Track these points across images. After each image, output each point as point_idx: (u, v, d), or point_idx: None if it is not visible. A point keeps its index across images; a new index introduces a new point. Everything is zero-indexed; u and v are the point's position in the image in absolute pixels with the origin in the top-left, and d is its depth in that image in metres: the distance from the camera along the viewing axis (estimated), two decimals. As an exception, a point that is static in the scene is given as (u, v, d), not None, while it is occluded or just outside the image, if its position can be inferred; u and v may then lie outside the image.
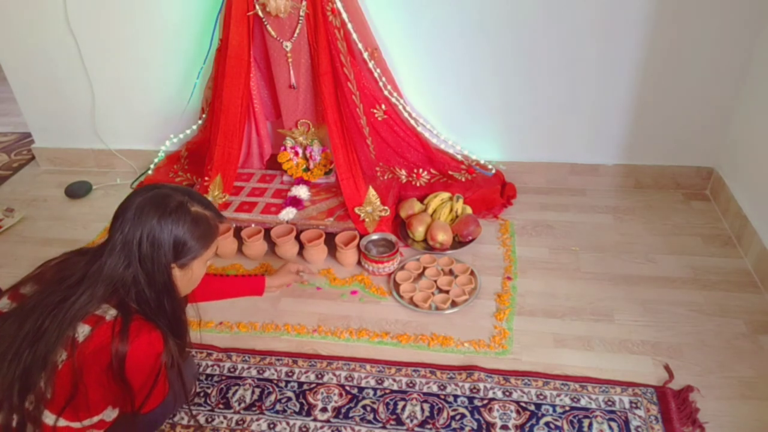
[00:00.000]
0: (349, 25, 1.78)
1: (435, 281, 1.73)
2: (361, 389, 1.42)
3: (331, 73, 1.80)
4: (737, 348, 1.46)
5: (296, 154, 2.04)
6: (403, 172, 2.09)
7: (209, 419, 1.37)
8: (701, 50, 1.83)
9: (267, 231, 1.88)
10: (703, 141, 2.01)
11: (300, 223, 1.87)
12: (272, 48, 1.84)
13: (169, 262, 1.08)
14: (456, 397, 1.38)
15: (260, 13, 1.77)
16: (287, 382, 1.45)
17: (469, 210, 1.98)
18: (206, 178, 1.98)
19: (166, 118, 2.29)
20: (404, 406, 1.37)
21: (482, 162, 2.12)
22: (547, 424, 1.31)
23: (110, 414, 1.11)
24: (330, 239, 1.84)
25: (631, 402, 1.34)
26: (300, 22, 1.77)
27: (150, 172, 2.30)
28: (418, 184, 2.10)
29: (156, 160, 2.32)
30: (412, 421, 1.33)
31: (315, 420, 1.35)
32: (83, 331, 1.01)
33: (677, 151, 2.05)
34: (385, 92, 1.92)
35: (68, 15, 2.11)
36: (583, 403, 1.35)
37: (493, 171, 2.11)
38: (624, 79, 1.92)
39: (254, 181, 2.08)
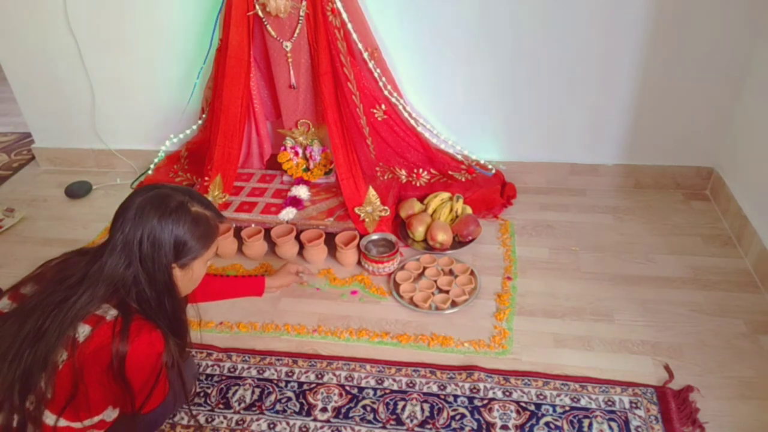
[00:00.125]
0: (349, 25, 1.78)
1: (435, 281, 1.73)
2: (361, 389, 1.42)
3: (331, 73, 1.80)
4: (737, 348, 1.46)
5: (296, 154, 2.04)
6: (403, 172, 2.09)
7: (209, 419, 1.37)
8: (701, 50, 1.83)
9: (267, 231, 1.88)
10: (703, 141, 2.01)
11: (300, 223, 1.88)
12: (272, 48, 1.84)
13: (169, 262, 1.08)
14: (456, 397, 1.38)
15: (260, 13, 1.77)
16: (287, 382, 1.45)
17: (469, 210, 1.98)
18: (206, 178, 1.98)
19: (166, 118, 2.29)
20: (404, 406, 1.37)
21: (482, 162, 2.13)
22: (547, 424, 1.31)
23: (111, 414, 1.11)
24: (330, 239, 1.84)
25: (631, 402, 1.34)
26: (300, 22, 1.77)
27: (150, 172, 2.30)
28: (418, 184, 2.10)
29: (156, 160, 2.32)
30: (412, 421, 1.33)
31: (315, 420, 1.35)
32: (84, 331, 1.01)
33: (677, 151, 2.05)
34: (385, 92, 1.92)
35: (68, 15, 2.11)
36: (583, 403, 1.35)
37: (493, 171, 2.12)
38: (624, 79, 1.92)
39: (254, 181, 2.08)
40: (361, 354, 1.52)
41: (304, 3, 1.74)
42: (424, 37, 1.94)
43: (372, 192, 1.88)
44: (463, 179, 2.09)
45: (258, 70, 2.00)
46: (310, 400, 1.40)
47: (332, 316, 1.66)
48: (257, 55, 1.95)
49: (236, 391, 1.43)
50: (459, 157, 2.12)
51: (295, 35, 1.80)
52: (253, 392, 1.43)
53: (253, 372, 1.48)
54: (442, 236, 1.84)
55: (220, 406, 1.40)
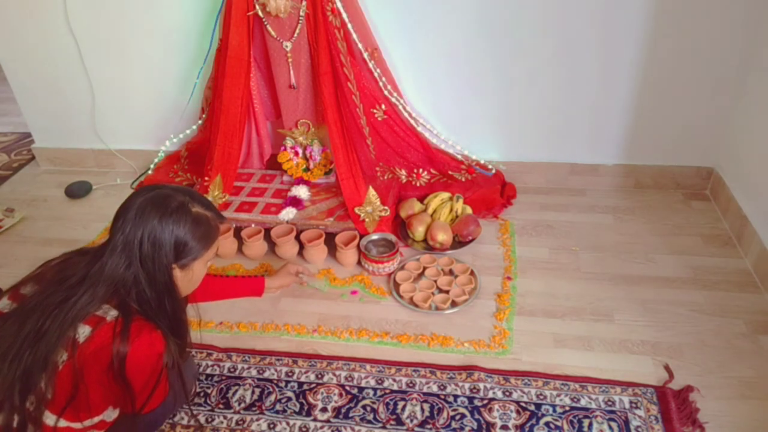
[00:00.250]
0: (349, 25, 1.78)
1: (435, 281, 1.73)
2: (361, 389, 1.42)
3: (331, 73, 1.80)
4: (737, 348, 1.47)
5: (296, 154, 2.04)
6: (403, 172, 2.09)
7: (209, 419, 1.37)
8: (701, 50, 1.83)
9: (267, 231, 1.88)
10: (703, 141, 2.01)
11: (300, 223, 1.88)
12: (272, 48, 1.84)
13: (170, 263, 1.08)
14: (456, 397, 1.38)
15: (260, 13, 1.77)
16: (287, 382, 1.45)
17: (469, 210, 1.98)
18: (206, 178, 1.98)
19: (166, 118, 2.29)
20: (404, 406, 1.37)
21: (482, 162, 2.13)
22: (547, 424, 1.31)
23: (111, 414, 1.11)
24: (330, 239, 1.85)
25: (631, 402, 1.34)
26: (300, 22, 1.77)
27: (150, 172, 2.30)
28: (418, 184, 2.10)
29: (156, 160, 2.32)
30: (412, 421, 1.33)
31: (315, 420, 1.35)
32: (84, 331, 1.01)
33: (677, 151, 2.05)
34: (385, 92, 1.92)
35: (68, 15, 2.11)
36: (583, 403, 1.35)
37: (493, 171, 2.12)
38: (624, 79, 1.92)
39: (254, 181, 2.08)
40: (361, 354, 1.52)
41: (304, 3, 1.74)
42: (424, 37, 1.94)
43: (372, 192, 1.88)
44: (463, 179, 2.09)
45: (258, 70, 2.00)
46: (310, 400, 1.40)
47: (332, 316, 1.66)
48: (257, 55, 1.95)
49: (236, 391, 1.43)
50: (459, 157, 2.12)
51: (295, 35, 1.80)
52: (253, 392, 1.43)
53: (253, 372, 1.48)
54: (442, 236, 1.84)
55: (220, 406, 1.40)
